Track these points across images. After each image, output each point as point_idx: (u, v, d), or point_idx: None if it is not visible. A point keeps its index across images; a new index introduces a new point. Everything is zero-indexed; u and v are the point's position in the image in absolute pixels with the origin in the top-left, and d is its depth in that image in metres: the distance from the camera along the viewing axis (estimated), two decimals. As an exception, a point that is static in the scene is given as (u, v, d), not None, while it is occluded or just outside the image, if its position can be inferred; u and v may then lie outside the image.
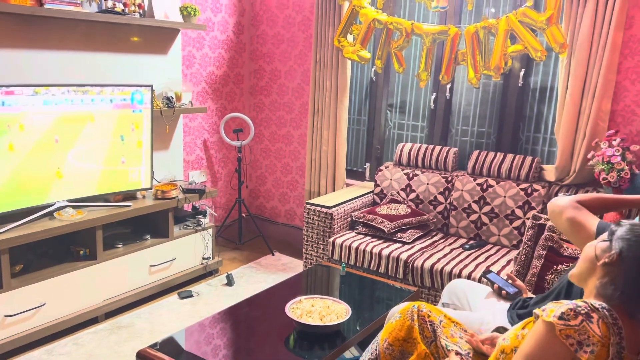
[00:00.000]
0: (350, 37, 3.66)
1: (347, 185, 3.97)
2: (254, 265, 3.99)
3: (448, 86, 3.61)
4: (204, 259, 3.69)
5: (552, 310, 1.28)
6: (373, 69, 3.87)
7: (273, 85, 4.34)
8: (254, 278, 3.75)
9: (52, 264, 2.88)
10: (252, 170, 4.60)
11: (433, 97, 3.68)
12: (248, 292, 3.51)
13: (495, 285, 2.17)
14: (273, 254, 4.19)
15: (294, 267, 3.97)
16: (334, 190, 3.93)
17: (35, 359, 2.64)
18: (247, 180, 4.55)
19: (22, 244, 2.64)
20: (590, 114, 2.91)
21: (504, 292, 2.14)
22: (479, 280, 2.61)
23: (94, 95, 2.97)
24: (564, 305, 1.28)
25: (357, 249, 3.08)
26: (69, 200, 2.97)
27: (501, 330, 1.89)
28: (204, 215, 3.75)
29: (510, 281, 2.17)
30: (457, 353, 1.72)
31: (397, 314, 1.85)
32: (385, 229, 3.14)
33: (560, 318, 1.25)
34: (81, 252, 2.99)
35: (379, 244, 3.09)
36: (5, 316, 2.58)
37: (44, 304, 2.75)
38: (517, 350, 1.37)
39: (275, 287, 2.61)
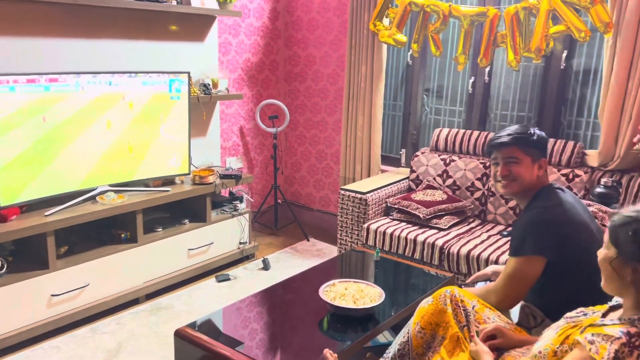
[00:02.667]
0: (386, 21, 3.61)
1: (382, 171, 3.94)
2: (289, 250, 4.03)
3: (487, 69, 3.52)
4: (240, 243, 3.75)
5: (603, 348, 1.16)
6: (409, 53, 3.82)
7: (308, 71, 4.34)
8: (290, 263, 3.79)
9: (95, 247, 2.98)
10: (288, 156, 4.62)
11: (471, 80, 3.60)
12: (284, 276, 3.54)
13: None
14: (308, 240, 4.22)
15: (329, 252, 3.99)
16: (369, 176, 3.91)
17: (81, 336, 2.75)
18: (282, 167, 4.58)
19: (67, 226, 2.75)
20: (637, 97, 2.78)
21: None
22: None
23: (131, 80, 3.04)
24: (615, 338, 1.16)
25: (391, 234, 3.06)
26: (110, 185, 3.06)
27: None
28: (241, 201, 3.80)
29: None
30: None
31: (430, 298, 1.83)
32: (421, 215, 3.11)
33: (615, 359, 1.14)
34: (122, 235, 3.09)
35: (414, 230, 3.07)
36: (52, 295, 2.69)
37: (88, 285, 2.85)
38: None
39: (309, 270, 2.63)
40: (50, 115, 2.71)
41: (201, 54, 3.70)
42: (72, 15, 2.96)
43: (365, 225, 3.19)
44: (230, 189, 3.79)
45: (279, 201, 4.41)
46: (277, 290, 2.41)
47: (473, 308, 1.79)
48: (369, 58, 3.74)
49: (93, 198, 2.97)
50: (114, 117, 3.00)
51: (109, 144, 3.01)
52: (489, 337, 1.70)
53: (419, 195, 3.30)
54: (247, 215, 3.76)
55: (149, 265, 3.17)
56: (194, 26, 3.62)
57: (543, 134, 1.95)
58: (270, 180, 4.49)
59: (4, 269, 2.57)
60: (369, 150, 3.88)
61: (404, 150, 4.00)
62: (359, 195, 3.23)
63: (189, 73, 3.29)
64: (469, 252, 2.80)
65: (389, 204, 3.34)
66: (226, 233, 3.63)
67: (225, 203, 3.75)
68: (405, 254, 3.02)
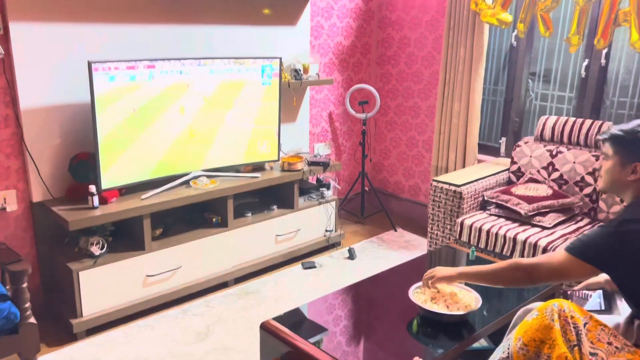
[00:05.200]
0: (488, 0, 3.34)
1: (479, 161, 3.70)
2: (376, 240, 3.92)
3: (604, 51, 3.14)
4: (326, 231, 3.71)
5: None
6: (514, 34, 3.51)
7: (401, 54, 4.15)
8: (376, 253, 3.68)
9: (188, 230, 3.06)
10: (376, 143, 4.48)
11: (585, 64, 3.24)
12: (369, 266, 3.46)
13: None
14: (395, 230, 4.09)
15: (417, 245, 3.84)
16: (463, 166, 3.68)
17: (172, 316, 2.84)
18: (370, 154, 4.46)
19: (162, 210, 2.83)
20: None
21: None
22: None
23: (222, 66, 3.05)
24: None
25: (488, 231, 2.85)
26: (203, 170, 3.11)
27: None
28: (328, 188, 3.74)
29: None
30: None
31: (535, 312, 1.65)
32: (522, 212, 2.87)
33: None
34: (214, 220, 3.14)
35: (514, 228, 2.83)
36: (147, 276, 2.80)
37: (180, 267, 2.93)
38: None
39: (398, 267, 2.51)
40: (149, 102, 2.79)
41: (293, 38, 3.65)
42: (169, 1, 3.01)
43: (459, 220, 2.99)
44: (318, 176, 3.74)
45: (366, 189, 4.30)
46: (364, 286, 2.32)
47: (585, 326, 1.59)
48: (468, 40, 3.49)
49: (187, 182, 3.04)
50: (207, 103, 3.03)
51: (201, 130, 3.05)
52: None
53: (520, 190, 3.05)
54: (333, 203, 3.70)
55: (238, 250, 3.20)
56: (286, 9, 3.56)
57: None
58: (358, 167, 4.39)
59: (105, 249, 2.69)
60: (464, 138, 3.65)
61: (504, 139, 3.72)
62: (453, 188, 3.04)
63: (280, 59, 3.24)
64: (576, 255, 2.53)
65: (485, 198, 3.11)
66: (313, 220, 3.59)
67: (313, 190, 3.71)
68: (503, 253, 2.80)
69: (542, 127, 3.25)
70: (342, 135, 4.28)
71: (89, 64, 2.50)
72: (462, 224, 2.98)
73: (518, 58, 3.56)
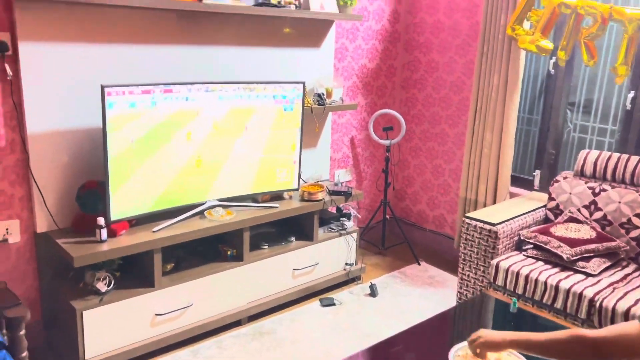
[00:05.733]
0: (526, 24, 3.14)
1: (511, 194, 3.47)
2: (398, 274, 3.69)
3: (653, 83, 2.93)
4: (346, 264, 3.49)
5: None
6: (552, 61, 3.30)
7: (428, 78, 3.95)
8: (399, 290, 3.46)
9: (201, 263, 2.86)
10: (399, 170, 4.27)
11: (630, 95, 3.02)
12: (392, 305, 3.24)
13: None
14: (419, 264, 3.86)
15: (442, 281, 3.60)
16: (494, 199, 3.46)
17: (182, 358, 2.63)
18: (393, 180, 4.25)
19: (175, 244, 2.63)
20: None
21: None
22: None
23: (243, 92, 2.87)
24: None
25: (527, 277, 2.62)
26: (219, 200, 2.92)
27: None
28: (349, 218, 3.53)
29: None
30: None
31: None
32: (564, 256, 2.63)
33: None
34: (229, 253, 2.94)
35: (555, 274, 2.59)
36: (156, 314, 2.59)
37: (192, 304, 2.73)
38: None
39: (432, 319, 2.28)
40: (162, 126, 2.60)
41: (316, 61, 3.46)
42: (185, 22, 2.84)
43: (494, 262, 2.76)
44: (338, 205, 3.53)
45: (387, 217, 4.08)
46: (395, 343, 2.09)
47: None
48: (503, 66, 3.28)
49: (201, 213, 2.85)
50: (222, 129, 2.84)
51: (217, 158, 2.86)
52: None
53: (560, 230, 2.81)
54: (355, 235, 3.48)
55: (254, 285, 2.99)
56: (310, 31, 3.38)
57: None
58: (379, 195, 4.18)
59: (112, 286, 2.50)
60: (496, 170, 3.43)
61: (538, 172, 3.49)
62: (488, 227, 2.81)
63: (304, 83, 3.06)
64: (628, 309, 2.29)
65: (522, 237, 2.88)
66: (332, 253, 3.38)
67: (333, 220, 3.50)
68: (544, 301, 2.56)
69: (583, 161, 3.02)
70: (364, 162, 4.07)
71: (102, 88, 2.33)
72: (497, 266, 2.74)
73: (556, 87, 3.34)
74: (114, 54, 2.62)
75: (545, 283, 2.55)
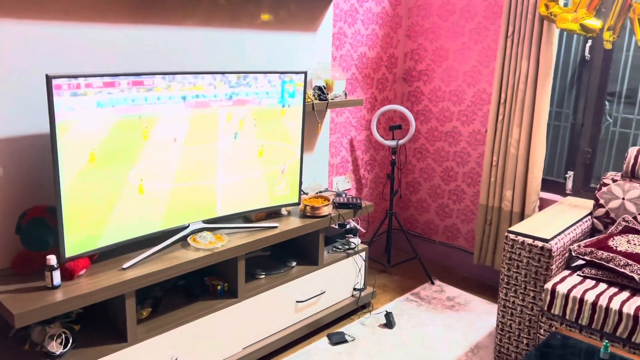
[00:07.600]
0: (560, 1, 2.68)
1: (541, 200, 3.01)
2: (412, 297, 3.17)
3: None
4: (354, 289, 2.94)
5: None
6: (588, 45, 2.85)
7: (436, 68, 3.45)
8: (418, 317, 2.93)
9: (185, 303, 2.25)
10: (403, 174, 3.76)
11: (686, 82, 2.61)
12: (415, 338, 2.71)
13: None
14: (432, 283, 3.35)
15: (464, 303, 3.10)
16: (522, 206, 2.99)
17: None
18: (400, 188, 3.73)
19: (151, 284, 2.01)
20: None
21: None
22: None
23: (229, 85, 2.27)
24: None
25: (594, 304, 2.13)
26: (205, 221, 2.31)
27: None
28: (355, 234, 3.00)
29: None
30: None
31: None
32: (637, 277, 2.17)
33: None
34: (219, 287, 2.34)
35: (629, 300, 2.12)
36: (131, 379, 1.97)
37: (177, 359, 2.11)
38: None
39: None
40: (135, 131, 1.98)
41: (313, 47, 2.90)
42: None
43: (549, 286, 2.27)
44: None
45: (393, 228, 3.55)
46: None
47: None
48: (533, 50, 2.81)
49: (184, 239, 2.23)
50: (207, 132, 2.24)
51: (201, 167, 2.25)
52: None
53: (621, 243, 2.35)
54: (363, 254, 2.94)
55: (250, 325, 2.41)
56: (304, 10, 2.82)
57: None
58: (382, 204, 3.65)
59: (69, 346, 1.86)
60: (525, 172, 2.96)
61: (571, 173, 3.04)
62: (539, 244, 2.31)
63: (305, 73, 2.49)
64: None
65: (574, 253, 2.41)
66: (339, 278, 2.83)
67: (337, 238, 2.95)
68: (617, 334, 2.08)
69: (634, 160, 2.58)
70: (364, 166, 3.53)
71: (48, 80, 1.69)
72: (553, 291, 2.25)
73: (591, 74, 2.90)
74: (63, 36, 1.98)
75: (620, 312, 2.07)
